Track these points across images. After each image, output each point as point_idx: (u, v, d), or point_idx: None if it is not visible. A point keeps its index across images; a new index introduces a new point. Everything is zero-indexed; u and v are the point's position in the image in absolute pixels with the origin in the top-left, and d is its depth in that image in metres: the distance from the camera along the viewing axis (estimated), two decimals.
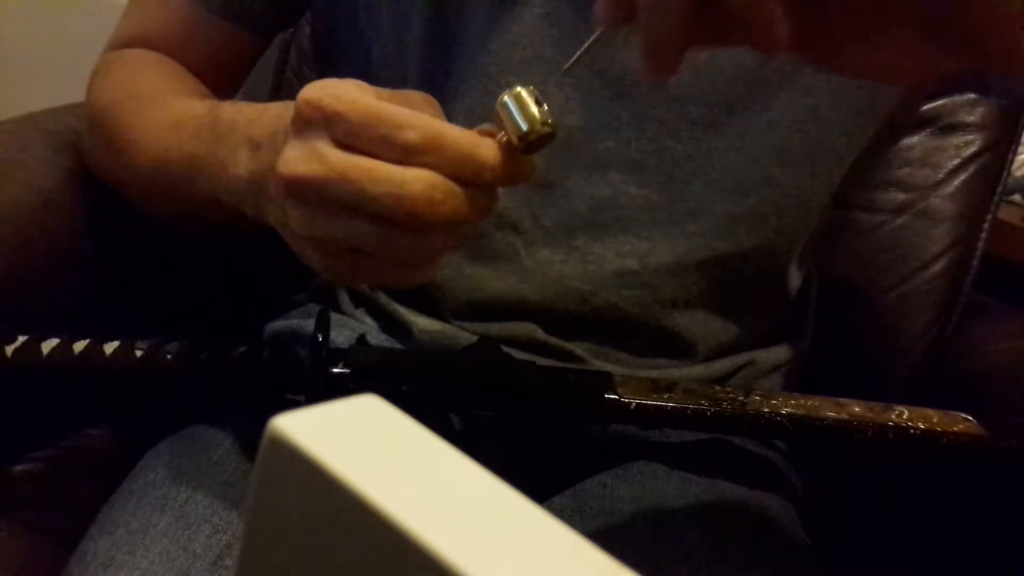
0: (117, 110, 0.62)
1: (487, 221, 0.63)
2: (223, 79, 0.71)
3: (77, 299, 0.69)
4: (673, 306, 0.65)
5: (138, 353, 0.59)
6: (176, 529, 0.54)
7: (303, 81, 0.95)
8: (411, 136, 0.39)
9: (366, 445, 0.24)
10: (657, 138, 0.61)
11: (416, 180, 0.39)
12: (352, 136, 0.39)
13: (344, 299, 0.74)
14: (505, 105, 0.42)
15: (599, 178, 0.62)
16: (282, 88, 0.97)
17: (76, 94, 0.72)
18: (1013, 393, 0.72)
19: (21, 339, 0.59)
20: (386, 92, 0.42)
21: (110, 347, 0.59)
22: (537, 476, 0.56)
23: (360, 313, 0.72)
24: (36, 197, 0.72)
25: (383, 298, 0.70)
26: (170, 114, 0.57)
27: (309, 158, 0.40)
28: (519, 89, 0.42)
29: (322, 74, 0.71)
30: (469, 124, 0.60)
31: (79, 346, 0.59)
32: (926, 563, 0.74)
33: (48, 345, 0.59)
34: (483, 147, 0.41)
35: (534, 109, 0.41)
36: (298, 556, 0.25)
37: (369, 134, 0.39)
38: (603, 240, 0.64)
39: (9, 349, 0.59)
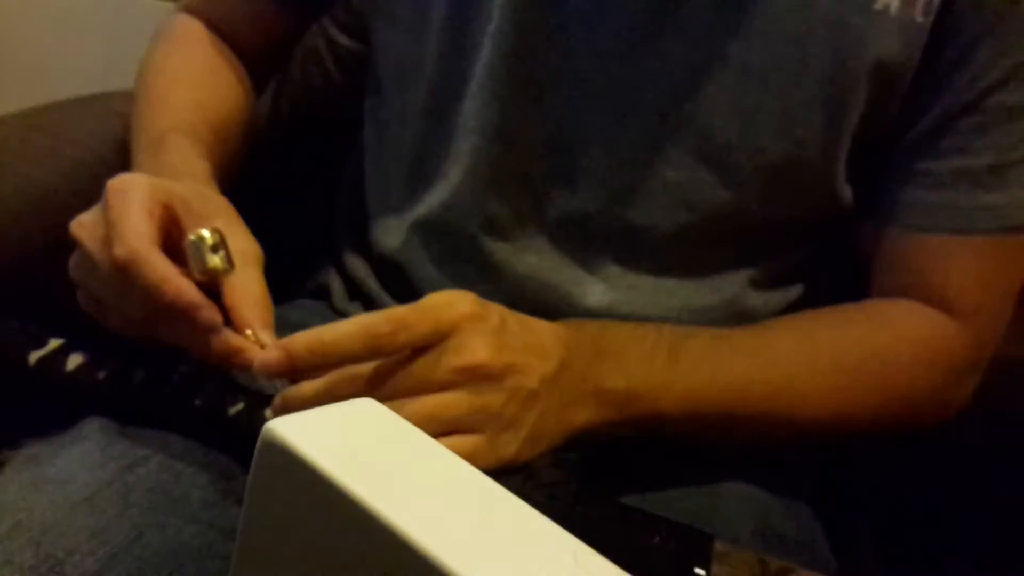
0: (138, 82, 0.72)
1: (477, 226, 0.65)
2: (263, 55, 0.78)
3: (72, 297, 0.68)
4: (668, 309, 0.66)
5: (166, 390, 0.57)
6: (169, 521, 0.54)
7: (309, 88, 0.95)
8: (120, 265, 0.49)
9: (360, 447, 0.25)
10: (650, 161, 0.62)
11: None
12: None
13: (338, 294, 0.74)
14: (190, 245, 0.51)
15: (588, 192, 0.64)
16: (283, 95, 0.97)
17: (78, 92, 0.73)
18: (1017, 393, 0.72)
19: (53, 343, 0.58)
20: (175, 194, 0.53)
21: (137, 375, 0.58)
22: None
23: (354, 307, 0.73)
24: (35, 191, 0.72)
25: (375, 294, 0.71)
26: (146, 119, 0.67)
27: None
28: (202, 233, 0.51)
29: (368, 60, 0.76)
30: (479, 127, 0.59)
31: (106, 368, 0.58)
32: (926, 563, 0.74)
33: (74, 361, 0.58)
34: (167, 286, 0.49)
35: (209, 256, 0.51)
36: (292, 555, 0.25)
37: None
38: (593, 245, 0.65)
39: (34, 356, 0.58)
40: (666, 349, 0.58)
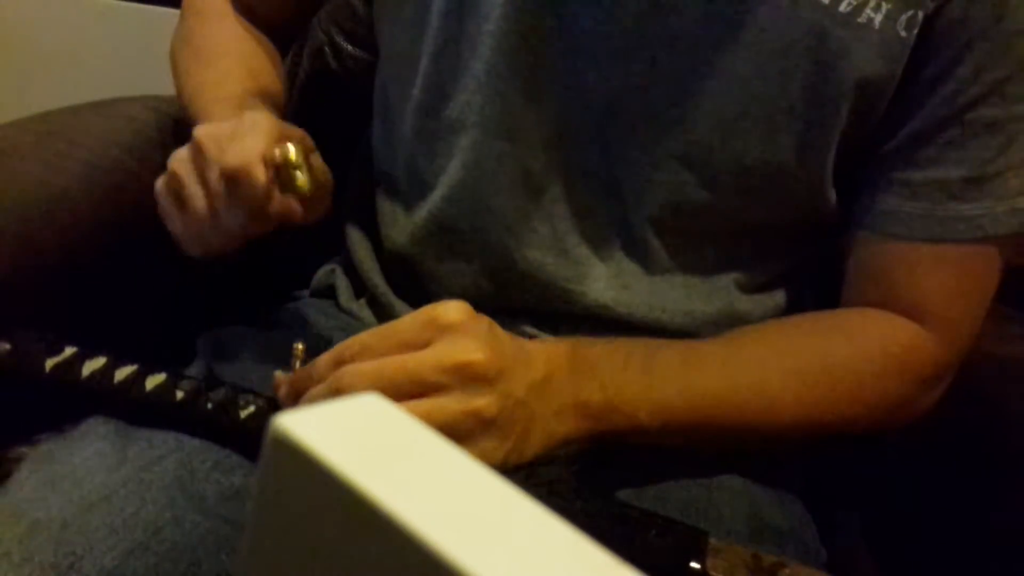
0: (178, 50, 0.76)
1: (485, 221, 0.66)
2: (279, 31, 0.80)
3: (85, 299, 0.69)
4: (663, 311, 0.67)
5: (179, 395, 0.58)
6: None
7: (315, 93, 0.96)
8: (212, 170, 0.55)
9: (368, 443, 0.25)
10: (638, 161, 0.63)
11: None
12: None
13: (344, 293, 0.75)
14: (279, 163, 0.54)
15: (584, 189, 0.65)
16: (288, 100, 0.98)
17: (82, 94, 0.73)
18: (1012, 392, 0.72)
19: (68, 350, 0.59)
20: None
21: (152, 381, 0.58)
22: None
23: (359, 305, 0.74)
24: (48, 193, 0.72)
25: (381, 290, 0.72)
26: (208, 78, 0.70)
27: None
28: (288, 148, 0.55)
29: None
30: (481, 122, 0.65)
31: (122, 373, 0.58)
32: (916, 552, 0.75)
33: (89, 367, 0.58)
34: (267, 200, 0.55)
35: (294, 174, 0.55)
36: (301, 552, 0.25)
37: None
38: (591, 241, 0.66)
39: (50, 363, 0.58)
40: (639, 363, 0.58)
